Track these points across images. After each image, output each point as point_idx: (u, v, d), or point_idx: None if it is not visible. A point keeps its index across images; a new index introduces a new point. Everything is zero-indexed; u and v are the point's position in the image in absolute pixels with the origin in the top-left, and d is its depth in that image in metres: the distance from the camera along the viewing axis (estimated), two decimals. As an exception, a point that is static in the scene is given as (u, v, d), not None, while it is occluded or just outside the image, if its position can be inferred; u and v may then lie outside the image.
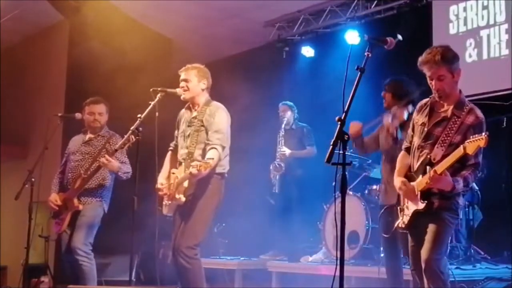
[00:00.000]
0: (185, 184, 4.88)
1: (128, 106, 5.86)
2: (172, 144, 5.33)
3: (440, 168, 3.70)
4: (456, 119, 3.86)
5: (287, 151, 7.60)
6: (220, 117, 5.03)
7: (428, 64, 3.88)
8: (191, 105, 5.19)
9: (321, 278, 6.34)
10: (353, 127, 5.19)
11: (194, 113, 5.12)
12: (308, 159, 7.58)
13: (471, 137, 3.62)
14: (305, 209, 7.42)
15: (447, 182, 3.73)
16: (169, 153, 5.31)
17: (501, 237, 6.42)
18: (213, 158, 4.78)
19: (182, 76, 5.14)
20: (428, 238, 3.84)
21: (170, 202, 5.00)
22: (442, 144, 3.84)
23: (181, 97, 5.10)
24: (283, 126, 7.68)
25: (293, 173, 7.59)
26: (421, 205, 3.86)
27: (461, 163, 3.77)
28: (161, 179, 5.11)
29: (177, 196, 4.90)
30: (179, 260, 4.90)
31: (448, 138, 3.84)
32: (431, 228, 3.85)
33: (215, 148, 4.89)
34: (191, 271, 4.90)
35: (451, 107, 3.92)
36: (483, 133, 3.56)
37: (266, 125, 7.84)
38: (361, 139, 5.28)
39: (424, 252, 3.83)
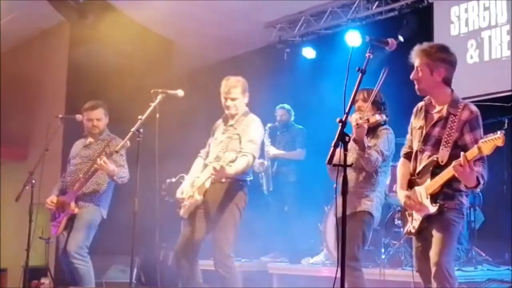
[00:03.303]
0: (207, 184, 4.92)
1: (128, 107, 5.86)
2: (202, 151, 5.38)
3: (470, 154, 3.56)
4: (454, 117, 3.84)
5: (272, 151, 7.67)
6: (255, 128, 5.13)
7: (412, 53, 3.97)
8: (229, 116, 5.24)
9: (322, 280, 6.33)
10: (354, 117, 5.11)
11: (231, 122, 5.19)
12: (305, 161, 7.60)
13: (485, 136, 3.56)
14: (306, 211, 7.41)
15: (473, 178, 3.61)
16: (198, 159, 5.35)
17: (502, 239, 6.41)
18: (239, 163, 4.89)
19: (228, 93, 5.14)
20: (435, 241, 3.80)
21: (188, 202, 5.02)
22: (446, 145, 3.81)
23: (227, 113, 5.18)
24: (268, 126, 7.77)
25: (285, 175, 7.62)
26: (433, 209, 3.80)
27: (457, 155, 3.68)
28: (185, 186, 5.12)
29: (195, 196, 4.91)
30: (218, 270, 4.95)
31: (451, 137, 3.80)
32: (437, 230, 3.81)
33: (246, 155, 4.98)
34: (229, 281, 4.95)
35: (445, 106, 3.90)
36: (499, 132, 3.48)
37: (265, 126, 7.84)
38: None
39: (433, 255, 3.78)
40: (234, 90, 5.14)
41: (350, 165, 3.24)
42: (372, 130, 4.85)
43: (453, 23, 7.49)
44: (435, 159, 3.82)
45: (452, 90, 3.95)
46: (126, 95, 7.51)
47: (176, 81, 5.25)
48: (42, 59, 9.93)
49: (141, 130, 4.95)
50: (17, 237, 8.71)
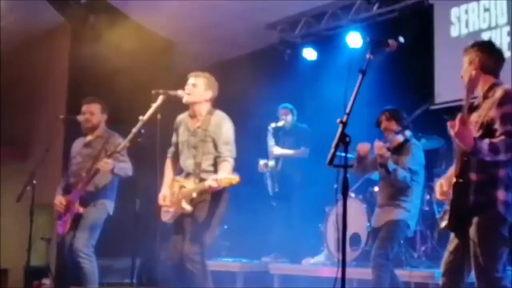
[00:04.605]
0: (194, 194, 4.88)
1: (129, 107, 5.87)
2: (170, 151, 5.29)
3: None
4: (488, 100, 3.55)
5: (276, 151, 7.66)
6: (227, 128, 5.05)
7: None
8: (191, 113, 5.16)
9: (323, 280, 6.34)
10: (362, 149, 5.26)
11: (197, 123, 5.10)
12: (309, 160, 7.59)
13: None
14: (307, 211, 7.41)
15: (470, 136, 3.32)
16: (168, 160, 5.26)
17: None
18: (225, 171, 4.83)
19: (191, 80, 5.11)
20: (477, 257, 3.47)
21: (173, 210, 5.00)
22: (474, 126, 3.49)
23: (183, 100, 5.07)
24: (271, 126, 7.76)
25: (291, 175, 7.61)
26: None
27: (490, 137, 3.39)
28: (165, 190, 5.09)
29: (183, 205, 4.88)
30: (186, 265, 4.89)
31: (480, 118, 3.51)
32: (476, 243, 3.47)
33: (227, 161, 4.95)
34: (197, 276, 4.90)
35: (483, 92, 3.64)
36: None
37: (267, 127, 7.84)
38: (366, 161, 5.40)
39: (478, 274, 3.48)
40: (198, 79, 5.10)
41: (351, 166, 3.24)
42: (399, 147, 5.25)
43: (453, 25, 7.49)
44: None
45: (495, 79, 3.66)
46: (127, 95, 7.52)
47: (177, 81, 5.24)
48: (43, 60, 9.94)
49: (142, 130, 4.96)
50: (17, 238, 8.72)
